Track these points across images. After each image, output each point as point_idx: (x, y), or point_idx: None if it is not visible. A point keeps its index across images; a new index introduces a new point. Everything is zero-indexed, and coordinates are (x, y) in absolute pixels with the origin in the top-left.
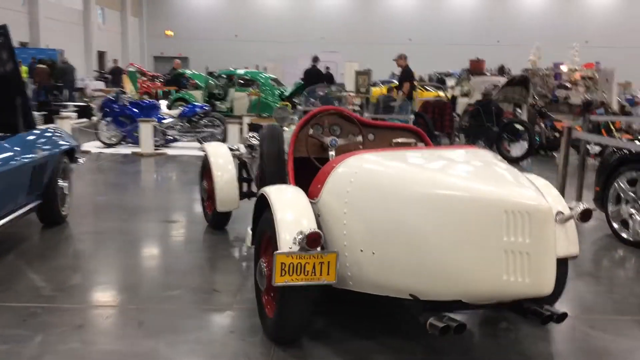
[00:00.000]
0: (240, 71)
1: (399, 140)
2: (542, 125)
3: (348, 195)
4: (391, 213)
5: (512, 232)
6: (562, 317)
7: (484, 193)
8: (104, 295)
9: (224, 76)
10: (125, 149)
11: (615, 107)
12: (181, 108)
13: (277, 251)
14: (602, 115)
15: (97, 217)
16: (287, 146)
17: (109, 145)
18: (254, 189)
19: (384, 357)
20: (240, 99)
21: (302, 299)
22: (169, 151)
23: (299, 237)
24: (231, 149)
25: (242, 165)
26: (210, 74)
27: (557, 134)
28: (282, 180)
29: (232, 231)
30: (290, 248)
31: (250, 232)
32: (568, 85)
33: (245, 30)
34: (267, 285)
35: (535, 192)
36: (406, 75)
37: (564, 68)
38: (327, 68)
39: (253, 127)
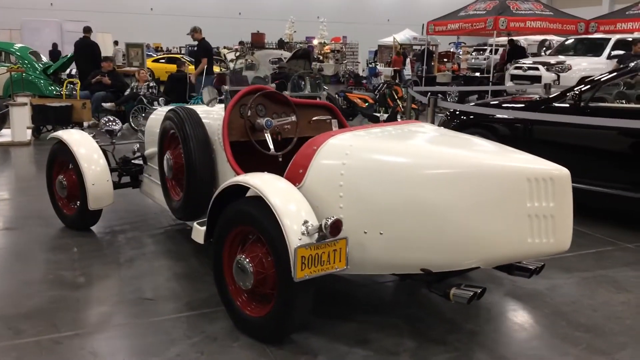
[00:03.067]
0: None
1: (318, 117)
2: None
3: (343, 178)
4: (401, 190)
5: (535, 198)
6: (542, 268)
7: (502, 163)
8: (22, 328)
9: None
10: None
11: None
12: None
13: (298, 245)
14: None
15: None
16: (212, 130)
17: None
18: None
19: (380, 335)
20: None
21: (311, 291)
22: None
23: (314, 225)
24: None
25: None
26: None
27: (349, 104)
28: (212, 168)
29: (99, 229)
30: (301, 239)
31: (200, 227)
32: (320, 57)
33: None
34: (254, 283)
35: (542, 160)
36: (203, 49)
37: (315, 42)
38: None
39: (40, 110)
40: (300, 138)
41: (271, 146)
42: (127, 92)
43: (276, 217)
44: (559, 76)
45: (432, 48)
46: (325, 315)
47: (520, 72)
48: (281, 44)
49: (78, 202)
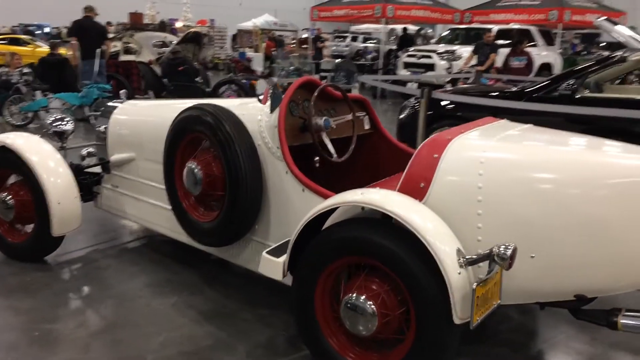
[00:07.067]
0: None
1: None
2: None
3: (482, 192)
4: (559, 205)
5: None
6: None
7: None
8: None
9: None
10: None
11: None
12: None
13: (477, 283)
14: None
15: None
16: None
17: None
18: None
19: None
20: None
21: (459, 332)
22: None
23: (471, 255)
24: None
25: None
26: None
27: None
28: (257, 181)
29: (55, 259)
30: (460, 273)
31: (276, 259)
32: None
33: None
34: (378, 329)
35: None
36: (74, 28)
37: (179, 24)
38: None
39: None
40: (336, 140)
41: (332, 150)
42: None
43: (426, 246)
44: (451, 64)
45: (298, 34)
46: None
47: (413, 59)
48: (162, 26)
49: (30, 225)
